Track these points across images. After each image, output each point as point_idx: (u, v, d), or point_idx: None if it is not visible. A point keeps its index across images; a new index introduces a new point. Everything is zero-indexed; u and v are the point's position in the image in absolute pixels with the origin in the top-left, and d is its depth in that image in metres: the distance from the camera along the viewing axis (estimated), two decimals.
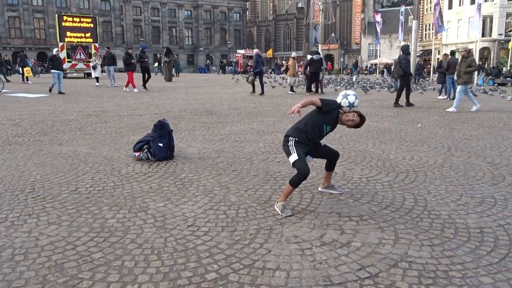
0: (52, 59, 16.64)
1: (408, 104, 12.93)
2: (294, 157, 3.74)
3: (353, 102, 3.88)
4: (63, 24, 29.20)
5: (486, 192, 4.43)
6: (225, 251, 3.03)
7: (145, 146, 5.76)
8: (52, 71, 16.48)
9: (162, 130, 5.83)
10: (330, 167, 4.25)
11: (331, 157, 4.18)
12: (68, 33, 29.11)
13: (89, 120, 9.37)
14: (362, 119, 3.96)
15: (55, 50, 17.78)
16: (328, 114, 3.88)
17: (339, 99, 3.93)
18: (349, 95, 3.90)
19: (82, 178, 4.86)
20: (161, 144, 5.70)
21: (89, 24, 30.44)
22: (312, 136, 3.87)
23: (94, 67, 22.15)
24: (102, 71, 22.65)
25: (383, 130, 8.25)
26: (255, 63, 17.12)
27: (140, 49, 20.04)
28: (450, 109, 11.48)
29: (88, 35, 29.84)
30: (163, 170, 5.21)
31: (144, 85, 18.09)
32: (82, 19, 30.98)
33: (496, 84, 26.48)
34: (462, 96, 11.67)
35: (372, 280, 2.66)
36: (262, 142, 7.05)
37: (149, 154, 5.67)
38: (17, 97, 14.97)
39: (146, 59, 19.12)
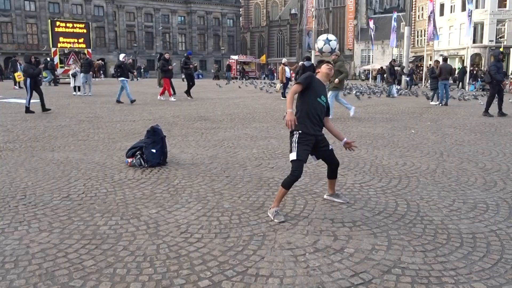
0: (120, 66, 15.18)
1: (501, 113, 11.81)
2: (293, 156, 3.74)
3: (335, 48, 3.87)
4: (56, 29, 29.15)
5: (478, 197, 4.45)
6: (218, 258, 3.01)
7: (138, 152, 5.73)
8: (121, 79, 14.91)
9: (155, 136, 5.81)
10: (331, 175, 4.18)
11: (332, 164, 4.11)
12: (61, 39, 29.05)
13: (81, 126, 9.32)
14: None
15: (122, 56, 16.22)
16: (313, 87, 3.79)
17: (320, 44, 3.90)
18: (331, 40, 3.89)
19: (74, 185, 4.82)
20: (154, 150, 5.68)
21: (82, 30, 30.42)
22: (314, 117, 3.79)
23: (74, 75, 19.78)
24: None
25: (376, 136, 8.28)
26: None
27: (185, 55, 18.45)
28: (352, 113, 10.99)
29: (81, 40, 29.81)
30: (156, 176, 5.19)
31: (188, 93, 17.01)
32: (75, 25, 30.97)
33: (482, 89, 26.70)
34: (334, 102, 11.01)
35: (365, 286, 2.66)
36: (256, 148, 7.04)
37: (142, 160, 5.64)
38: (9, 103, 14.87)
39: (191, 66, 17.92)
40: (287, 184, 3.76)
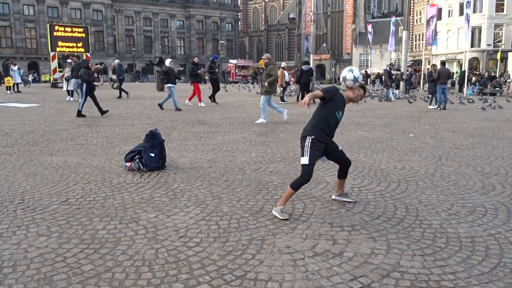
0: (167, 72, 14.33)
1: None
2: (305, 160, 3.84)
3: (358, 77, 3.94)
4: (55, 33, 29.13)
5: (477, 201, 4.45)
6: (217, 262, 3.01)
7: (137, 156, 5.73)
8: (168, 85, 14.17)
9: (154, 140, 5.80)
10: (343, 175, 4.28)
11: (343, 164, 4.22)
12: (60, 43, 29.03)
13: (80, 130, 9.31)
14: (364, 89, 4.06)
15: (168, 61, 15.21)
16: (334, 100, 3.90)
17: (344, 73, 3.99)
18: (353, 69, 3.98)
19: (72, 189, 4.81)
20: (152, 154, 5.68)
21: (81, 34, 30.41)
22: (328, 128, 3.91)
23: (68, 79, 18.39)
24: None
25: (375, 140, 8.29)
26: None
27: (211, 59, 17.71)
28: (259, 121, 10.75)
29: (79, 44, 29.79)
30: (155, 181, 5.19)
31: (213, 99, 16.49)
32: (73, 29, 30.93)
33: (480, 93, 26.78)
34: (267, 106, 10.79)
35: None
36: (254, 152, 7.05)
37: (140, 164, 5.64)
38: (7, 107, 14.86)
39: (216, 70, 17.43)
40: (296, 186, 3.87)
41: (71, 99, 17.66)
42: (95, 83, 30.72)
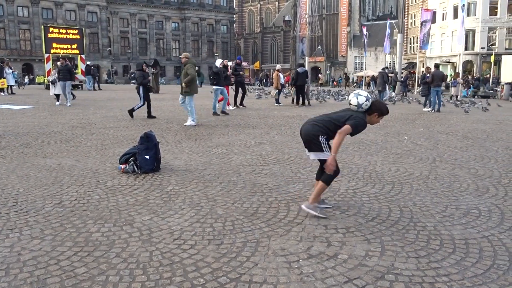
0: (217, 73, 13.21)
1: None
2: (328, 154, 3.85)
3: (362, 104, 3.88)
4: (49, 35, 29.00)
5: (471, 203, 4.48)
6: (212, 265, 3.00)
7: (131, 158, 5.71)
8: (215, 87, 13.21)
9: (149, 142, 5.79)
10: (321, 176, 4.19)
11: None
12: (54, 45, 28.90)
13: (74, 132, 9.27)
14: (383, 113, 4.03)
15: (219, 62, 14.08)
16: (358, 131, 3.97)
17: (350, 97, 3.99)
18: (359, 95, 3.92)
19: (66, 191, 4.79)
20: (147, 157, 5.66)
21: (76, 36, 30.29)
22: (334, 134, 3.91)
23: (54, 82, 17.09)
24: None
25: (369, 142, 8.32)
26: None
27: (236, 60, 17.14)
28: (188, 123, 10.59)
29: (74, 46, 29.66)
30: (149, 183, 5.17)
31: (241, 102, 15.98)
32: (68, 31, 30.81)
33: (474, 96, 26.95)
34: (194, 108, 10.65)
35: None
36: (249, 154, 7.04)
37: (135, 167, 5.62)
38: (0, 109, 14.77)
39: (241, 72, 16.50)
40: (329, 180, 3.96)
41: (57, 103, 16.39)
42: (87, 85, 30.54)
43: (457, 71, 33.47)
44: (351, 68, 67.40)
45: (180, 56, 10.89)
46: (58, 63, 17.69)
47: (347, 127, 3.80)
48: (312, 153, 3.98)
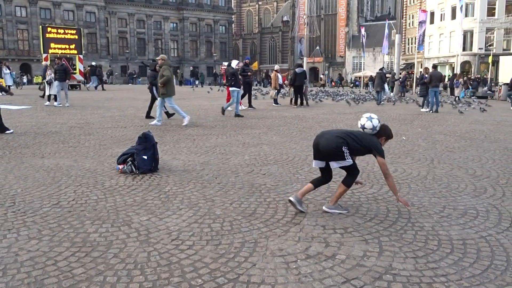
0: (234, 74, 13.03)
1: None
2: (350, 161, 4.06)
3: (376, 126, 4.13)
4: (47, 35, 28.92)
5: (468, 204, 4.48)
6: (210, 265, 3.00)
7: (129, 158, 5.70)
8: (232, 89, 12.96)
9: (147, 143, 5.79)
10: (318, 185, 4.29)
11: (327, 178, 4.30)
12: (52, 45, 28.81)
13: (72, 132, 9.26)
14: (389, 137, 4.32)
15: (235, 63, 13.75)
16: None
17: (363, 121, 4.17)
18: (372, 118, 4.15)
19: (64, 192, 4.78)
20: (145, 157, 5.66)
21: (74, 36, 30.19)
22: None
23: (49, 83, 16.58)
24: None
25: None
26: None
27: (244, 61, 16.74)
28: (153, 122, 10.63)
29: (72, 46, 29.57)
30: (147, 183, 5.16)
31: (249, 104, 15.76)
32: (66, 31, 30.72)
33: (472, 96, 27.00)
34: (177, 107, 10.71)
35: None
36: (248, 154, 7.04)
37: (133, 167, 5.62)
38: None
39: (249, 73, 16.15)
40: (350, 182, 4.14)
41: (48, 103, 16.15)
42: (87, 84, 30.58)
43: (460, 72, 33.57)
44: (349, 68, 67.51)
45: (157, 58, 10.90)
46: (44, 62, 17.57)
47: (382, 161, 4.00)
48: (335, 162, 4.08)
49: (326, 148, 4.07)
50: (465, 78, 30.59)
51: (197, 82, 42.61)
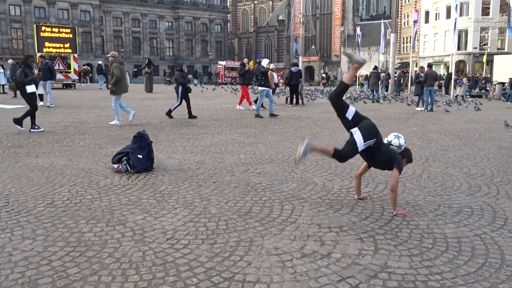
0: (266, 73, 12.49)
1: None
2: (360, 137, 4.18)
3: (402, 145, 4.26)
4: (42, 34, 28.76)
5: (463, 202, 4.50)
6: (205, 264, 2.99)
7: (124, 157, 5.68)
8: (261, 88, 12.55)
9: (142, 142, 5.77)
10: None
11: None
12: (47, 43, 28.66)
13: (67, 132, 9.21)
14: (410, 161, 4.43)
15: (266, 62, 13.13)
16: None
17: (390, 138, 4.32)
18: (400, 137, 4.30)
19: (58, 191, 4.75)
20: (140, 156, 5.64)
21: (68, 35, 30.05)
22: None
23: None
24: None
25: None
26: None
27: (258, 60, 16.24)
28: (113, 122, 10.48)
29: (67, 45, 29.42)
30: (142, 182, 5.15)
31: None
32: (61, 30, 30.54)
33: (468, 96, 27.11)
34: (118, 108, 10.48)
35: None
36: (243, 153, 7.03)
37: (128, 166, 5.59)
38: None
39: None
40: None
41: (41, 103, 15.06)
42: (83, 84, 30.44)
43: (450, 71, 33.66)
44: (344, 67, 67.50)
45: (107, 55, 10.76)
46: (11, 61, 17.11)
47: (397, 175, 4.07)
48: (358, 130, 4.18)
49: (366, 124, 4.20)
50: (469, 76, 30.72)
51: (195, 82, 42.59)
